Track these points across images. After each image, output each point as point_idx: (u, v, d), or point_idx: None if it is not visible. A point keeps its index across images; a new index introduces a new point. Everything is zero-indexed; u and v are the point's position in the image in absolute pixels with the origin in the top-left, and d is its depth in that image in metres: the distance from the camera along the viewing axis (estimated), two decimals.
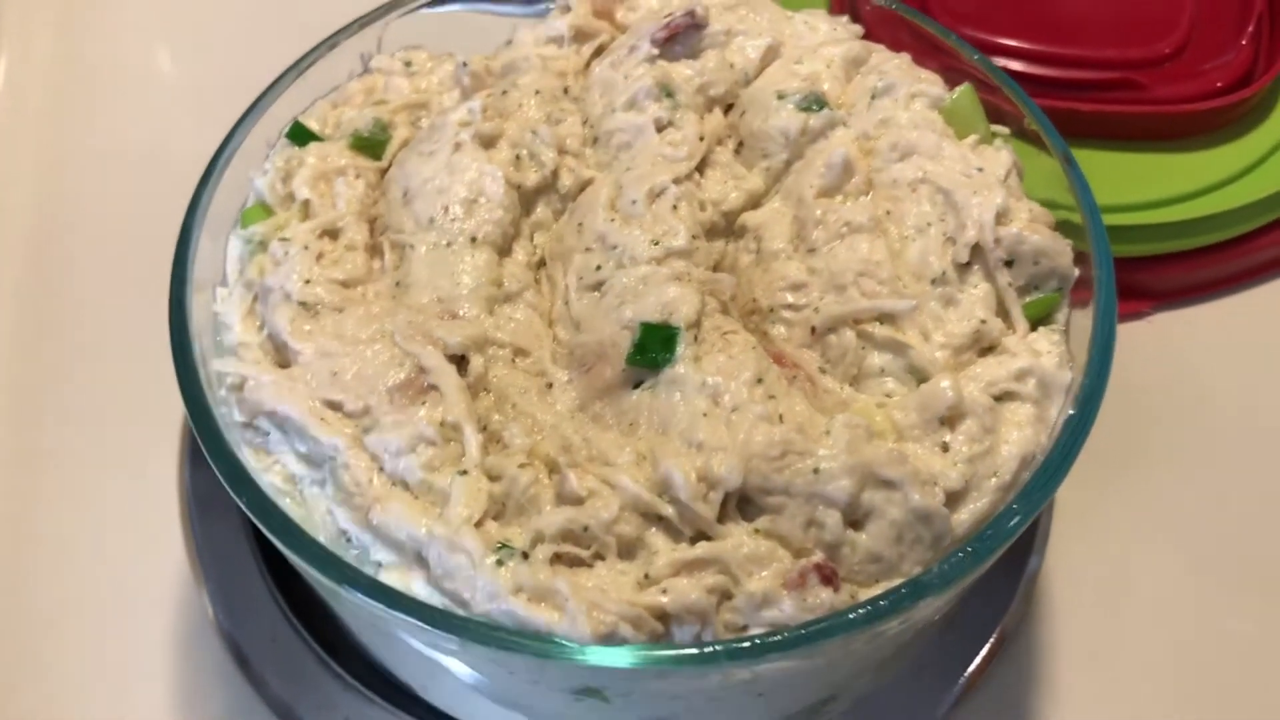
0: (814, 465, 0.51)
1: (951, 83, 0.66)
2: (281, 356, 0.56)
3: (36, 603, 0.74)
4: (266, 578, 0.74)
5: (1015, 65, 0.89)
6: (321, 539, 0.51)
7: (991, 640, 0.73)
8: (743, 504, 0.51)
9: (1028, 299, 0.59)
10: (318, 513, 0.53)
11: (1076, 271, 0.60)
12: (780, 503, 0.51)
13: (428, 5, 0.70)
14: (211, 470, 0.76)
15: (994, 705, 0.72)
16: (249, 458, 0.54)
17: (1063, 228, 0.61)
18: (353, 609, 0.53)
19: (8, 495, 0.78)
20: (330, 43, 0.68)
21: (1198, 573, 0.76)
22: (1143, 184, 0.87)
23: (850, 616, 0.48)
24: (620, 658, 0.45)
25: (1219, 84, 0.90)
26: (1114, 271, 0.59)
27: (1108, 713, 0.71)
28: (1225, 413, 0.81)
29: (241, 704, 0.71)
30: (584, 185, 0.63)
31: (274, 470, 0.54)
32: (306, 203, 0.61)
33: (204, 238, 0.60)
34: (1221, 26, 0.94)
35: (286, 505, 0.53)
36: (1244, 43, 0.91)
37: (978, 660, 0.73)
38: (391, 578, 0.50)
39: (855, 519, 0.52)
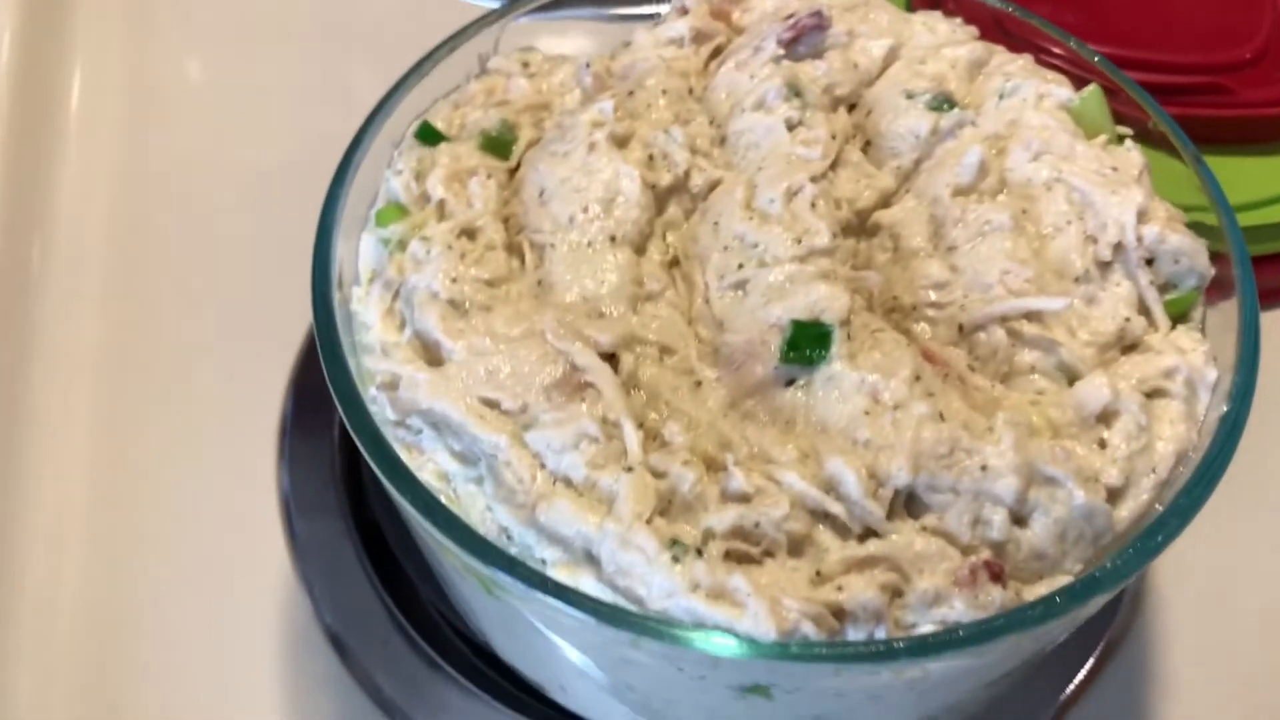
0: (981, 462, 0.51)
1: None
2: (431, 355, 0.56)
3: (138, 611, 0.74)
4: (374, 580, 0.74)
5: None
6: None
7: (1102, 644, 0.73)
8: (908, 501, 0.51)
9: (1167, 297, 0.59)
10: (475, 510, 0.52)
11: (1213, 269, 0.60)
12: (947, 500, 0.51)
13: (545, 9, 0.70)
14: (308, 469, 0.80)
15: (1107, 709, 0.72)
16: (402, 455, 0.53)
17: (1193, 229, 0.61)
18: (504, 609, 0.53)
19: (106, 502, 0.78)
20: (450, 44, 0.67)
21: None
22: (1234, 187, 0.86)
23: (1029, 613, 0.48)
24: (816, 654, 0.45)
25: None
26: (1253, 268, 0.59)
27: (1225, 711, 0.71)
28: None
29: (353, 709, 0.70)
30: (714, 185, 0.62)
31: (426, 469, 0.54)
32: (442, 203, 0.60)
33: (340, 238, 0.59)
34: None
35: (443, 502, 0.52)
36: None
37: (1091, 660, 0.73)
38: (560, 575, 0.50)
39: (1019, 516, 0.51)
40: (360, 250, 0.61)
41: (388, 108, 0.64)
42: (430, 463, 0.54)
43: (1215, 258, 0.60)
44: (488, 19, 0.69)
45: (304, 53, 1.03)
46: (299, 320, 0.82)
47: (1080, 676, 0.72)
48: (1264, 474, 0.79)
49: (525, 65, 0.69)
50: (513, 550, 0.51)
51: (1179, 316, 0.60)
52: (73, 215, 0.92)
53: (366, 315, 0.58)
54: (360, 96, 0.67)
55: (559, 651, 0.55)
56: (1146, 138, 0.65)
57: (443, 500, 0.52)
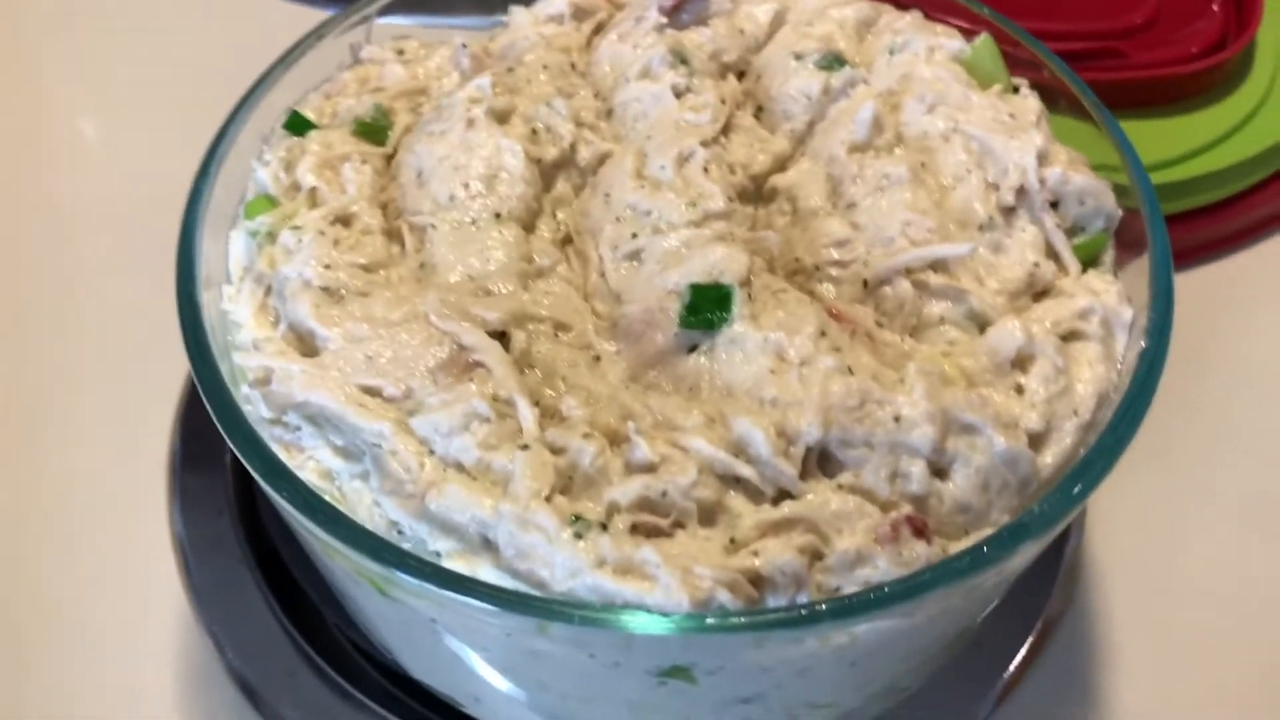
0: (894, 413, 0.48)
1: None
2: (306, 346, 0.52)
3: (29, 666, 0.68)
4: (277, 612, 0.69)
5: None
6: None
7: (1040, 620, 0.71)
8: (822, 461, 0.48)
9: (1075, 241, 0.58)
10: (362, 506, 0.49)
11: (1120, 211, 0.58)
12: (862, 455, 0.48)
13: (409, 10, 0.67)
14: (200, 507, 0.75)
15: (1051, 684, 0.69)
16: (280, 455, 0.50)
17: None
18: (401, 613, 0.49)
19: None
20: (318, 33, 0.64)
21: (1241, 527, 0.74)
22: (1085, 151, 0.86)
23: (956, 565, 0.45)
24: (733, 624, 0.42)
25: (1194, 50, 0.90)
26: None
27: (1169, 679, 0.69)
28: (1248, 367, 0.81)
29: None
30: (602, 158, 0.60)
31: (307, 467, 0.50)
32: (314, 190, 0.57)
33: (206, 234, 0.56)
34: None
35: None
36: (1215, 8, 0.92)
37: (1031, 638, 0.70)
38: (455, 565, 0.46)
39: (940, 468, 0.49)
40: (230, 248, 0.57)
41: (253, 100, 0.60)
42: (311, 460, 0.50)
43: (1125, 214, 0.59)
44: (357, 8, 0.66)
45: (166, 97, 0.98)
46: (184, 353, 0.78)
47: (1020, 655, 0.70)
48: (1192, 437, 0.77)
49: (400, 53, 0.66)
50: (405, 545, 0.47)
51: (1089, 261, 0.58)
52: None
53: (238, 313, 0.54)
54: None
55: (466, 656, 0.51)
56: (1046, 97, 0.63)
57: (326, 499, 0.48)
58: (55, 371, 0.81)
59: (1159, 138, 0.87)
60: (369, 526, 0.48)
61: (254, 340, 0.53)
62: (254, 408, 0.51)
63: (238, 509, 0.74)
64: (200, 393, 0.50)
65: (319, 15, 0.66)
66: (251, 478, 0.48)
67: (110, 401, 0.80)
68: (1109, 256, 0.59)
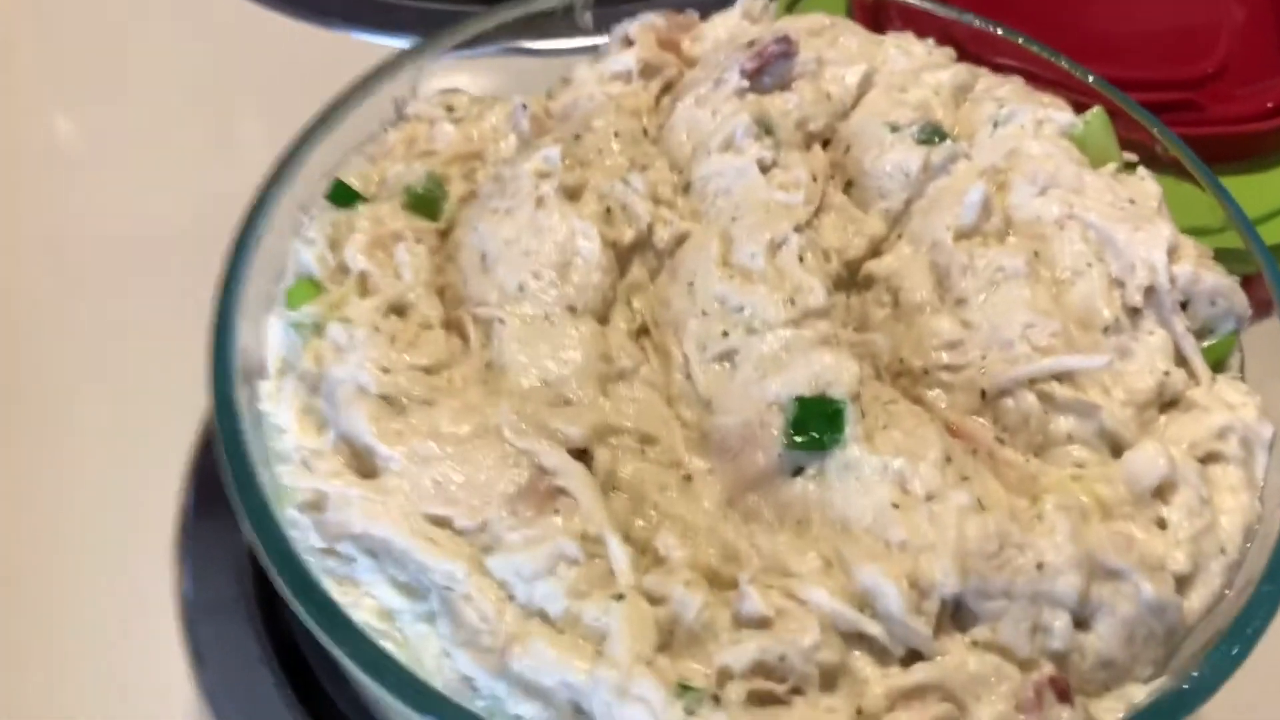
0: (1036, 559, 0.42)
1: None
2: (364, 464, 0.46)
3: None
4: (288, 696, 0.63)
5: None
6: (439, 688, 0.41)
7: None
8: (955, 612, 0.43)
9: (1204, 344, 0.52)
10: (428, 656, 0.43)
11: (1250, 311, 0.53)
12: (1001, 607, 0.42)
13: (469, 45, 0.61)
14: (210, 570, 0.68)
15: None
16: (332, 591, 0.43)
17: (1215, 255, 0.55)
18: None
19: None
20: (362, 88, 0.58)
21: None
22: (1188, 214, 0.81)
23: None
24: None
25: (1269, 104, 0.85)
26: None
27: None
28: None
29: None
30: (680, 239, 0.54)
31: (364, 605, 0.44)
32: (364, 275, 0.51)
33: (243, 323, 0.49)
34: (1257, 45, 0.90)
35: (389, 649, 0.42)
36: None
37: None
38: None
39: (1081, 619, 0.43)
40: (267, 336, 0.51)
41: (293, 164, 0.54)
42: (368, 598, 0.44)
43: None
44: (401, 60, 0.60)
45: (185, 106, 0.92)
46: (195, 398, 0.71)
47: None
48: None
49: (450, 109, 0.59)
50: (479, 706, 0.41)
51: (1216, 364, 0.53)
52: None
53: (279, 416, 0.48)
54: (250, 152, 0.57)
55: None
56: (1154, 163, 0.58)
57: (389, 646, 0.42)
58: (58, 411, 0.74)
59: (1240, 196, 0.82)
60: (438, 678, 0.42)
61: (301, 453, 0.46)
62: (301, 534, 0.44)
63: (252, 575, 0.67)
64: (242, 519, 0.43)
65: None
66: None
67: (118, 446, 0.73)
68: (1237, 359, 0.54)
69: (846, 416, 0.45)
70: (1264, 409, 0.50)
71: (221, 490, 0.68)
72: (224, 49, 0.96)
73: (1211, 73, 0.87)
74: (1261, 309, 0.54)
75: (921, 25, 0.66)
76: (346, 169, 0.57)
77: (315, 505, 0.44)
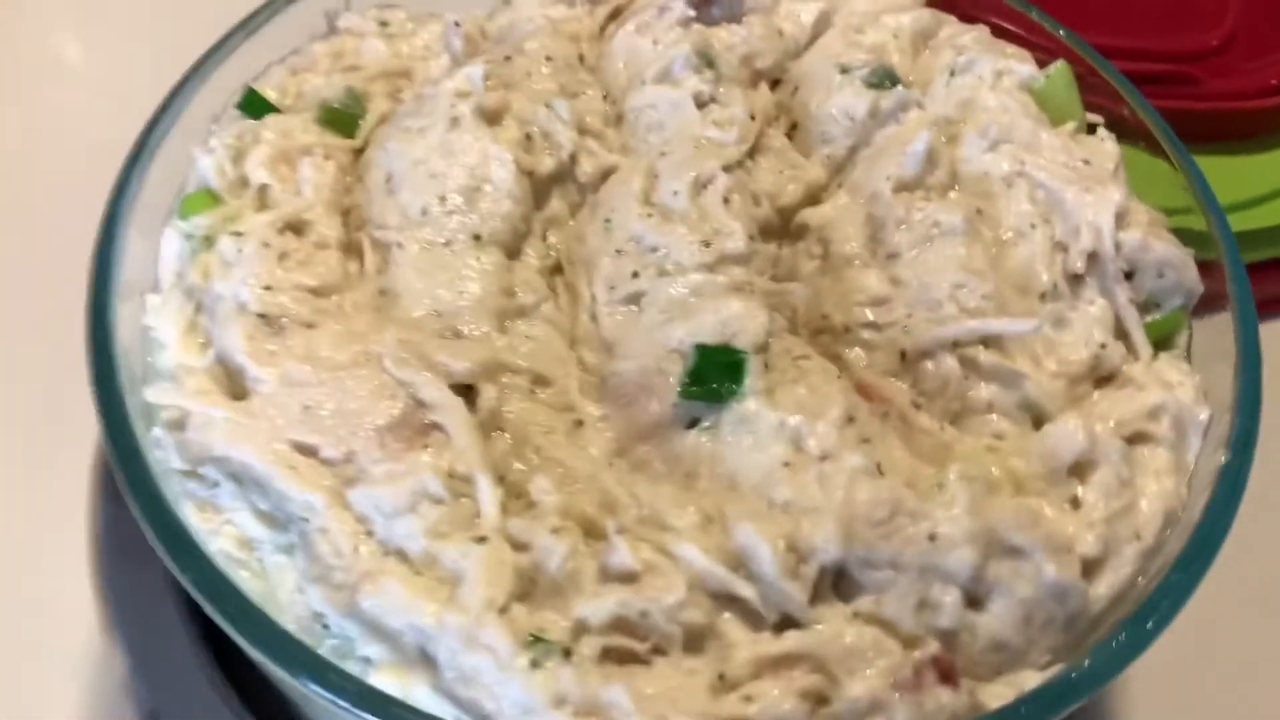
0: (929, 530, 0.40)
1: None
2: (235, 385, 0.44)
3: None
4: (197, 644, 0.61)
5: None
6: (288, 623, 0.39)
7: None
8: (837, 580, 0.40)
9: (1148, 319, 0.49)
10: (283, 589, 0.41)
11: (1202, 287, 0.50)
12: (887, 578, 0.40)
13: None
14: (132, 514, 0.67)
15: None
16: (191, 516, 0.41)
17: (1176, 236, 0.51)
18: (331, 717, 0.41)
19: None
20: None
21: None
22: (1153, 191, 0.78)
23: None
24: None
25: (1274, 81, 0.81)
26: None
27: None
28: None
29: None
30: (606, 173, 0.51)
31: (224, 532, 0.42)
32: (264, 188, 0.48)
33: (132, 232, 0.47)
34: (1267, 19, 0.85)
35: (243, 579, 0.40)
36: None
37: None
38: (385, 679, 0.38)
39: (975, 596, 0.41)
40: (161, 248, 0.49)
41: (206, 70, 0.51)
42: (229, 525, 0.42)
43: (1203, 268, 0.51)
44: None
45: (155, 26, 0.89)
46: None
47: None
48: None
49: (384, 25, 0.57)
50: (328, 645, 0.39)
51: (1161, 342, 0.50)
52: None
53: (162, 331, 0.46)
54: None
55: None
56: (1116, 129, 0.55)
57: (245, 576, 0.41)
58: None
59: (1233, 177, 0.78)
60: (290, 613, 0.40)
61: (175, 369, 0.44)
62: (164, 454, 0.42)
63: None
64: (102, 432, 0.41)
65: None
66: None
67: (37, 371, 0.71)
68: (1184, 338, 0.51)
69: (747, 368, 0.43)
70: (1203, 390, 0.47)
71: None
72: None
73: (1216, 45, 0.83)
74: (1217, 299, 0.51)
75: None
76: (265, 79, 0.54)
77: (178, 424, 0.42)
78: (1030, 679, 0.41)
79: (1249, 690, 0.62)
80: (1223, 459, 0.44)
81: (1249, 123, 0.79)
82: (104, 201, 0.48)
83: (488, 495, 0.40)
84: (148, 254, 0.49)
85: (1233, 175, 0.78)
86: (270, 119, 0.51)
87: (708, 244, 0.47)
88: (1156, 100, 0.77)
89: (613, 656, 0.38)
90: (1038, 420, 0.46)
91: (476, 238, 0.47)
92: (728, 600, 0.39)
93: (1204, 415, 0.46)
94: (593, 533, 0.41)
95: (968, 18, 0.58)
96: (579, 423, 0.44)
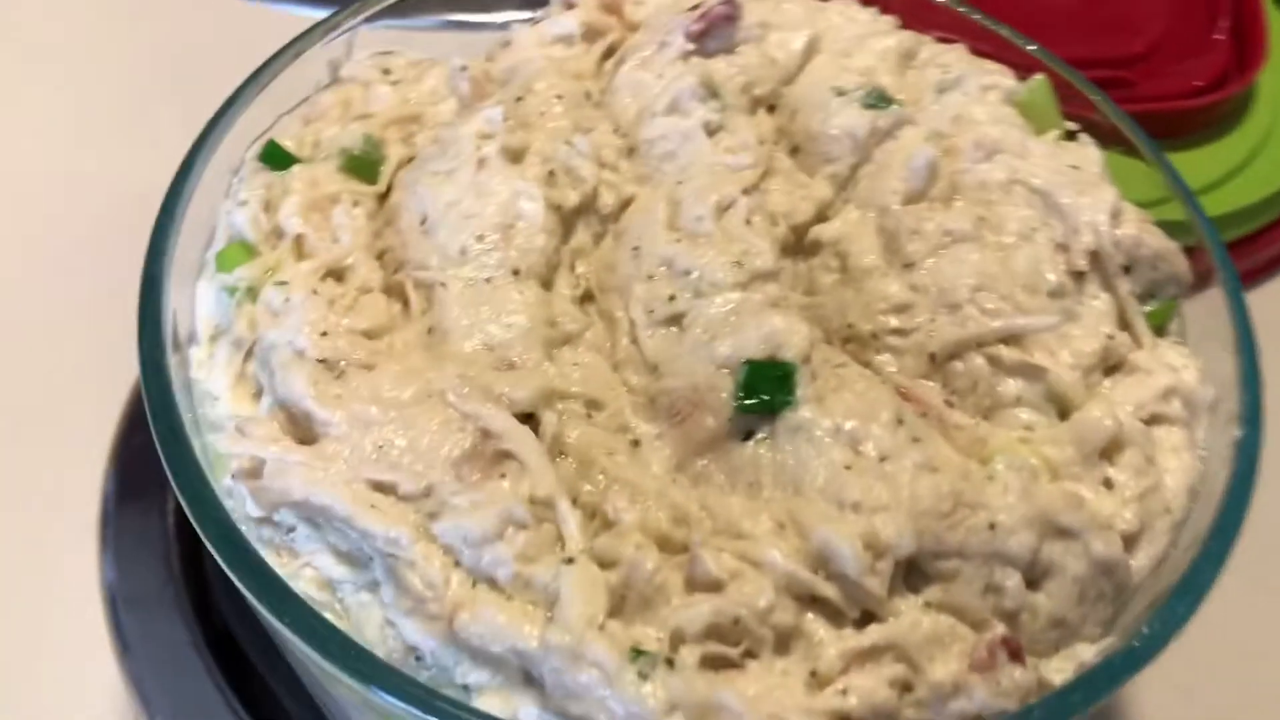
0: (988, 519, 0.42)
1: None
2: (301, 430, 0.44)
3: None
4: (223, 689, 0.61)
5: None
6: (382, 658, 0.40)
7: None
8: (906, 573, 0.42)
9: (1146, 308, 0.53)
10: (370, 626, 0.41)
11: (1192, 276, 0.53)
12: (954, 568, 0.42)
13: (404, 14, 0.59)
14: (136, 561, 0.66)
15: None
16: (270, 561, 0.42)
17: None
18: None
19: None
20: (294, 49, 0.56)
21: None
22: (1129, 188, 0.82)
23: (1070, 699, 0.39)
24: None
25: (1197, 83, 0.86)
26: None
27: None
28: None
29: None
30: (625, 203, 0.53)
31: (304, 575, 0.42)
32: (300, 238, 0.49)
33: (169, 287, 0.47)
34: (1190, 25, 0.91)
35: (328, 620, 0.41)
36: (1219, 37, 0.88)
37: None
38: (491, 704, 0.39)
39: (1032, 578, 0.43)
40: (197, 302, 0.49)
41: (223, 125, 0.52)
42: (307, 568, 0.42)
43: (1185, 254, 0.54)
44: (335, 20, 0.58)
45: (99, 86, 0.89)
46: (117, 381, 0.68)
47: None
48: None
49: (386, 72, 0.58)
50: (425, 676, 0.40)
51: (1157, 329, 0.53)
52: None
53: (212, 383, 0.46)
54: (168, 135, 0.54)
55: None
56: (1094, 131, 0.59)
57: (328, 617, 0.41)
58: None
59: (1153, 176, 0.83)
60: (381, 649, 0.41)
61: (236, 419, 0.45)
62: (237, 503, 0.43)
63: (181, 565, 0.65)
64: (173, 485, 0.42)
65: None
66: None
67: (35, 433, 0.70)
68: (1176, 324, 0.54)
69: (797, 378, 0.45)
70: (1205, 372, 0.51)
71: (145, 475, 0.66)
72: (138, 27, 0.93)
73: (1142, 51, 0.88)
74: (1200, 281, 0.54)
75: None
76: (279, 131, 0.55)
77: (252, 473, 0.43)
78: (1085, 651, 0.44)
79: (1253, 664, 0.66)
80: (1236, 433, 0.47)
81: (1177, 123, 0.84)
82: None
83: (569, 516, 0.41)
84: (182, 308, 0.49)
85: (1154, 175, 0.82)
86: (297, 169, 0.51)
87: (739, 264, 0.49)
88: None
89: (708, 663, 0.39)
90: (1061, 410, 0.48)
91: (515, 272, 0.48)
92: (811, 601, 0.41)
93: (1208, 394, 0.50)
94: (667, 547, 0.42)
95: (942, 41, 0.62)
96: (635, 442, 0.46)
